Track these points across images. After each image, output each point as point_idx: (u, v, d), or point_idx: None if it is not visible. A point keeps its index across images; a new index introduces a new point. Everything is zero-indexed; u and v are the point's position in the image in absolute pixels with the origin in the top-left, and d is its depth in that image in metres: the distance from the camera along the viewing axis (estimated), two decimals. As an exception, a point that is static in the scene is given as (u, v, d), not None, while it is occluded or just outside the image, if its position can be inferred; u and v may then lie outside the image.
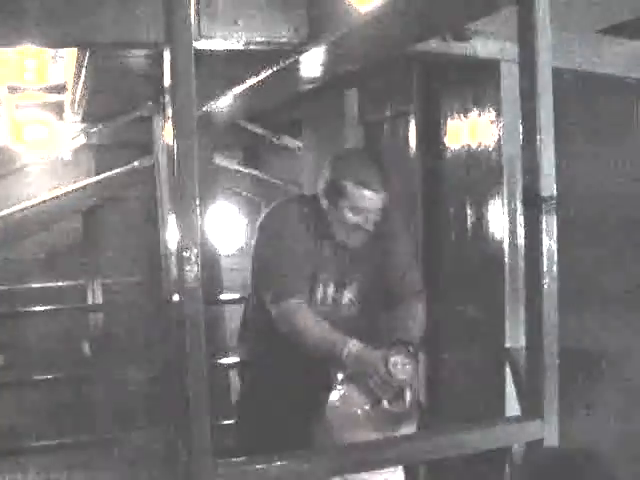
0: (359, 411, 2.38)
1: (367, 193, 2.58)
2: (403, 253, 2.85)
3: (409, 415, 2.39)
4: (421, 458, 2.10)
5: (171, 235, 1.75)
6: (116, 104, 5.23)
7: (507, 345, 2.84)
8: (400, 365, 2.33)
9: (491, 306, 2.99)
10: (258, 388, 2.91)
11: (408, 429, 2.42)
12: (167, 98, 1.75)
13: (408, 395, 2.36)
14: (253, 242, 2.80)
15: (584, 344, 3.12)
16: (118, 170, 5.69)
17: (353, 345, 2.42)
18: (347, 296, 2.81)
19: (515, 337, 2.81)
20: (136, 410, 5.98)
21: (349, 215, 2.62)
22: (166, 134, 1.81)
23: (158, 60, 3.86)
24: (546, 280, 1.88)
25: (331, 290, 2.78)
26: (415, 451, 1.92)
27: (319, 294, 2.75)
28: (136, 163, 5.59)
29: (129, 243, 6.25)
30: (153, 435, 5.27)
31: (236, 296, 4.93)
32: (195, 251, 1.66)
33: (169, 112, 1.71)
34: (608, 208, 3.22)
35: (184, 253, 1.65)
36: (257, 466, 1.71)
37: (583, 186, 3.09)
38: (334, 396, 2.48)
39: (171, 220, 1.74)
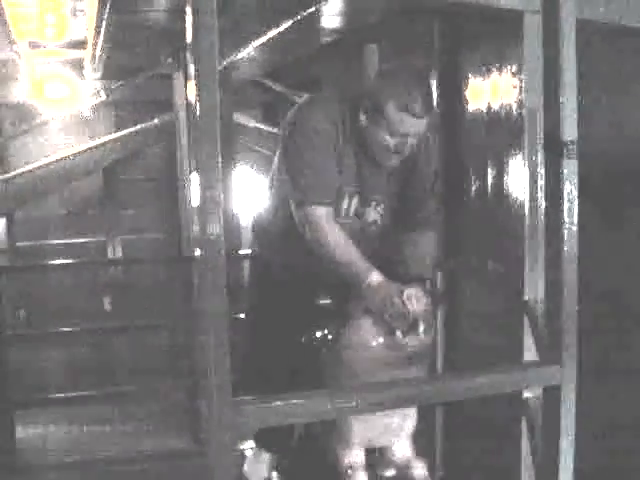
0: (374, 342, 2.40)
1: (408, 118, 2.45)
2: (425, 180, 2.78)
3: (422, 348, 2.42)
4: (439, 399, 2.12)
5: (193, 191, 1.76)
6: (136, 61, 5.24)
7: (525, 297, 2.85)
8: (414, 298, 2.33)
9: (510, 260, 3.00)
10: (271, 310, 2.85)
11: (421, 363, 2.45)
12: (188, 54, 1.75)
13: (422, 328, 2.36)
14: (281, 139, 2.67)
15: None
16: (138, 127, 5.71)
17: (375, 276, 2.40)
18: (371, 214, 2.74)
19: (534, 290, 2.82)
20: (157, 363, 6.07)
21: (387, 137, 2.50)
22: (188, 91, 1.80)
23: (178, 15, 3.89)
24: (566, 224, 1.88)
25: (355, 204, 2.70)
26: (434, 392, 1.94)
27: (344, 206, 2.68)
28: (156, 120, 5.60)
29: (149, 200, 6.29)
30: (174, 387, 5.35)
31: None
32: (217, 205, 1.67)
33: (191, 68, 1.70)
34: (630, 160, 3.20)
35: (206, 207, 1.66)
36: (277, 403, 1.73)
37: (605, 139, 3.07)
38: (349, 325, 2.49)
39: (193, 176, 1.74)
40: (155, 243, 6.27)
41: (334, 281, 2.57)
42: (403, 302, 2.33)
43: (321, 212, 2.52)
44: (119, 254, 6.25)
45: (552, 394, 1.98)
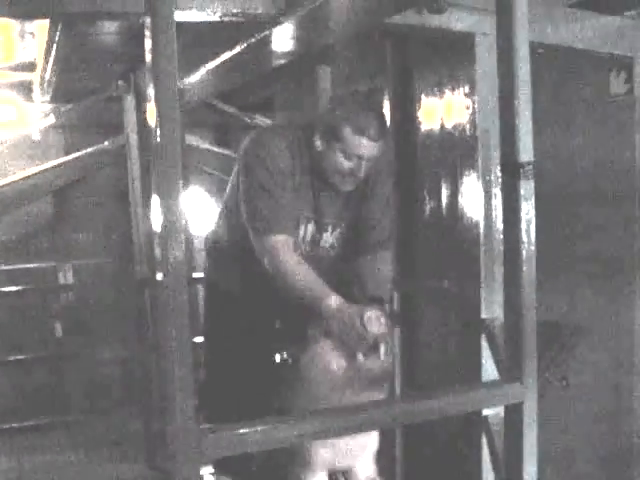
0: (335, 365, 2.38)
1: (364, 141, 2.52)
2: (380, 201, 2.82)
3: (384, 370, 2.42)
4: (403, 421, 2.12)
5: (153, 215, 1.74)
6: (86, 83, 5.18)
7: (483, 316, 2.88)
8: (374, 320, 2.33)
9: (467, 279, 3.03)
10: (226, 334, 2.87)
11: (382, 385, 2.45)
12: (146, 76, 1.73)
13: (382, 350, 2.36)
14: (239, 163, 2.70)
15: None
16: (89, 150, 5.64)
17: (334, 300, 2.41)
18: (328, 240, 2.79)
19: (491, 309, 2.86)
20: (110, 390, 5.98)
21: (343, 160, 2.56)
22: (146, 113, 1.78)
23: (129, 38, 3.86)
24: (525, 244, 1.91)
25: (311, 230, 2.74)
26: (397, 414, 1.94)
27: (300, 233, 2.71)
28: (107, 143, 5.54)
29: (100, 224, 6.20)
30: (128, 414, 5.28)
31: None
32: (179, 230, 1.66)
33: (150, 90, 1.68)
34: (578, 180, 3.27)
35: (168, 233, 1.65)
36: (241, 431, 1.72)
37: (555, 158, 3.14)
38: (310, 350, 2.48)
39: (153, 200, 1.73)
40: (107, 267, 6.18)
41: (292, 305, 2.56)
42: (363, 325, 2.33)
43: (280, 240, 2.54)
44: (70, 279, 6.16)
45: (514, 411, 2.01)
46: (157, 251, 1.71)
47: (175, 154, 1.65)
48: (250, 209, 2.60)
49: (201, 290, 5.27)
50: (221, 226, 2.91)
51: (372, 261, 2.77)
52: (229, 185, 2.81)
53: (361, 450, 2.63)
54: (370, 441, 2.64)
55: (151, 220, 1.78)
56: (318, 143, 2.61)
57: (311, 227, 2.74)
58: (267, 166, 2.57)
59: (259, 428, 1.73)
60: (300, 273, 2.51)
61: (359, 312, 2.36)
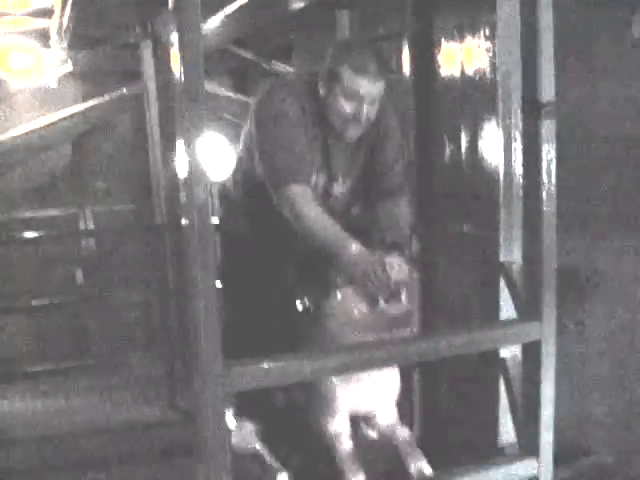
0: (356, 312, 2.42)
1: (362, 79, 2.53)
2: (392, 148, 2.83)
3: (405, 316, 2.44)
4: (422, 357, 2.14)
5: (176, 160, 1.76)
6: (104, 30, 5.17)
7: (502, 259, 2.89)
8: (396, 266, 2.36)
9: (486, 223, 3.03)
10: (243, 281, 2.90)
11: (404, 330, 2.47)
12: (169, 21, 1.73)
13: (404, 295, 2.40)
14: (248, 126, 2.72)
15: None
16: (106, 97, 5.64)
17: (355, 247, 2.43)
18: (338, 189, 2.81)
19: (510, 251, 2.86)
20: (131, 334, 6.08)
21: (344, 102, 2.57)
22: (172, 58, 1.78)
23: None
24: (545, 185, 1.92)
25: (322, 180, 2.76)
26: (416, 350, 1.98)
27: (312, 182, 2.72)
28: (124, 90, 5.54)
29: (119, 170, 6.23)
30: (148, 357, 5.37)
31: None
32: (204, 175, 1.69)
33: (174, 36, 1.69)
34: (600, 127, 3.25)
35: (193, 177, 1.67)
36: (264, 365, 1.75)
37: (577, 101, 3.11)
38: (331, 297, 2.51)
39: (177, 146, 1.75)
40: (127, 214, 6.23)
41: (313, 253, 2.58)
42: (385, 271, 2.35)
43: (299, 191, 2.55)
44: (90, 225, 6.21)
45: (532, 350, 2.03)
46: (182, 196, 1.74)
47: (199, 98, 1.67)
48: (267, 163, 2.62)
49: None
50: (236, 175, 2.94)
51: (388, 207, 2.79)
52: (242, 137, 2.82)
53: (382, 395, 2.67)
54: (391, 387, 2.67)
55: (171, 165, 1.81)
56: (321, 89, 2.63)
57: (322, 177, 2.77)
58: (279, 119, 2.59)
59: (281, 363, 1.77)
60: (321, 222, 2.52)
61: (380, 259, 2.39)
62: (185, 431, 4.19)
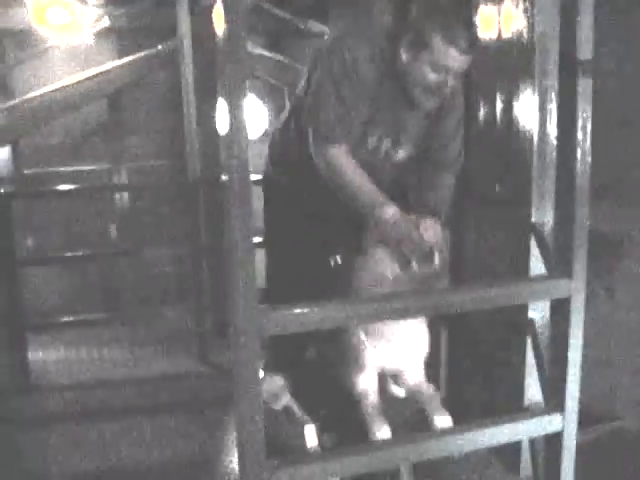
0: (389, 272, 2.42)
1: (454, 52, 2.39)
2: (453, 122, 2.77)
3: (437, 278, 2.46)
4: (452, 309, 2.16)
5: (215, 117, 1.79)
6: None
7: (533, 220, 2.90)
8: (430, 229, 2.36)
9: (519, 185, 3.04)
10: (284, 240, 2.90)
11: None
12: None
13: (437, 258, 2.38)
14: (317, 61, 2.60)
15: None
16: (142, 54, 5.66)
17: (391, 209, 2.42)
18: (400, 155, 2.75)
19: (542, 212, 2.87)
20: (162, 288, 6.17)
21: (429, 72, 2.45)
22: (215, 14, 1.79)
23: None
24: (580, 143, 1.93)
25: (385, 143, 2.70)
26: (448, 302, 2.00)
27: (373, 145, 2.67)
28: (160, 47, 5.55)
29: (154, 127, 6.28)
30: (181, 310, 5.45)
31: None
32: (244, 132, 1.72)
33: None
34: (634, 85, 3.22)
35: (234, 134, 1.70)
36: (298, 310, 1.80)
37: (609, 61, 3.09)
38: (365, 258, 2.51)
39: (218, 102, 1.77)
40: (161, 170, 6.29)
41: (349, 211, 2.57)
42: (419, 233, 2.36)
43: (339, 150, 2.53)
44: (124, 181, 6.28)
45: (562, 307, 2.06)
46: (222, 153, 1.77)
47: (240, 55, 1.69)
48: (316, 109, 2.55)
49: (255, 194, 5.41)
50: (287, 126, 2.85)
51: (436, 179, 2.76)
52: (301, 83, 2.73)
53: (411, 354, 2.69)
54: (420, 346, 2.70)
55: (207, 123, 1.83)
56: (404, 54, 2.50)
57: (388, 142, 2.71)
58: (348, 71, 2.50)
59: (315, 309, 1.81)
60: (357, 180, 2.51)
61: (415, 220, 2.40)
62: (215, 384, 4.32)
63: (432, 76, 2.46)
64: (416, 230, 2.36)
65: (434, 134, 2.75)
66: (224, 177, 1.77)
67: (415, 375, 2.73)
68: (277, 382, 3.03)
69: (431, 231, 2.37)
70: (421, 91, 2.52)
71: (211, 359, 4.83)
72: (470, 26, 2.49)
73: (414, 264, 2.40)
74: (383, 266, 2.45)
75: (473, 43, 2.44)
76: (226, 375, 2.15)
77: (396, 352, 2.63)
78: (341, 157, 2.53)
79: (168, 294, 6.12)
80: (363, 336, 2.53)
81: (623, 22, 3.08)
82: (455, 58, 2.41)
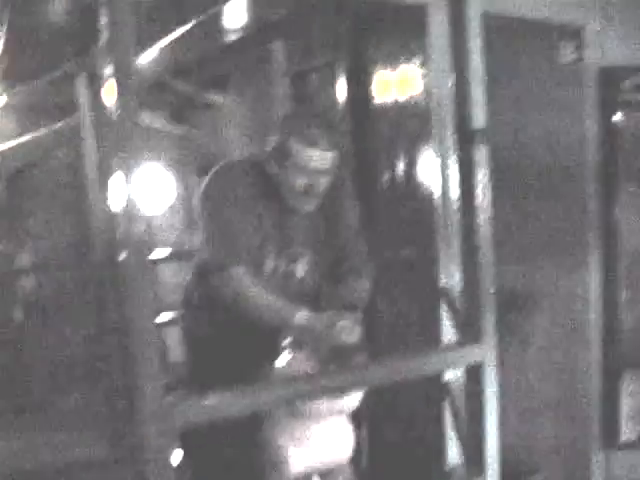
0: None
1: (314, 152, 2.46)
2: (349, 224, 2.80)
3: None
4: (366, 384, 2.15)
5: (112, 195, 1.75)
6: (38, 63, 5.11)
7: (442, 283, 2.92)
8: (347, 329, 2.33)
9: (425, 248, 3.07)
10: (204, 362, 2.84)
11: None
12: (100, 54, 1.73)
13: (356, 358, 2.35)
14: (198, 209, 2.67)
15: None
16: (42, 131, 5.56)
17: (302, 314, 2.41)
18: (300, 270, 2.74)
19: (449, 275, 2.90)
20: (72, 372, 5.96)
21: (297, 177, 2.50)
22: (106, 92, 1.77)
23: (81, 15, 3.81)
24: (481, 209, 1.95)
25: (282, 263, 2.70)
26: (359, 378, 1.98)
27: (269, 266, 2.67)
28: (60, 124, 5.46)
29: (56, 206, 6.14)
30: (90, 395, 5.27)
31: (165, 254, 4.94)
32: (141, 209, 1.68)
33: (108, 69, 1.68)
34: (530, 152, 3.33)
35: (130, 212, 1.66)
36: (208, 400, 1.74)
37: (507, 128, 3.19)
38: (281, 362, 2.48)
39: (112, 180, 1.73)
40: (66, 249, 6.13)
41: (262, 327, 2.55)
42: (335, 335, 2.33)
43: (237, 273, 2.52)
44: (28, 263, 6.10)
45: (475, 373, 2.06)
46: (119, 231, 1.72)
47: (135, 131, 1.66)
48: (208, 243, 2.59)
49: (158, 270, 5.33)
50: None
51: (349, 287, 2.74)
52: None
53: (335, 452, 2.63)
54: (343, 442, 2.63)
55: (110, 201, 1.79)
56: (272, 166, 2.56)
57: (283, 260, 2.71)
58: (224, 201, 2.55)
59: (227, 396, 1.76)
60: (261, 299, 2.50)
61: (331, 321, 2.36)
62: (130, 469, 4.15)
63: (301, 180, 2.50)
64: (333, 331, 2.32)
65: (333, 240, 2.76)
66: (121, 256, 1.72)
67: (343, 474, 2.68)
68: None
69: (348, 331, 2.33)
70: (295, 197, 2.55)
71: (125, 443, 4.65)
72: (329, 124, 2.58)
73: (332, 365, 2.35)
74: (300, 368, 2.40)
75: (334, 140, 2.50)
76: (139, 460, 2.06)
77: (319, 452, 2.57)
78: (241, 280, 2.52)
79: (79, 377, 5.92)
80: (283, 440, 2.47)
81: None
82: (317, 158, 2.46)
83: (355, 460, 2.76)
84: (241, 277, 2.52)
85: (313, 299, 2.70)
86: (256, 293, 2.50)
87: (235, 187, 2.57)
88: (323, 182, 2.54)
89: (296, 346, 2.46)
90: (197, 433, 1.87)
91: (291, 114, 2.81)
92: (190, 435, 2.08)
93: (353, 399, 2.48)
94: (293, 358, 2.45)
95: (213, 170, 2.68)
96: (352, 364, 2.34)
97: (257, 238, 2.60)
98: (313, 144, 2.45)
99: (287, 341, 2.51)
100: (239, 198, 2.55)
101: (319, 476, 2.66)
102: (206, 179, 2.66)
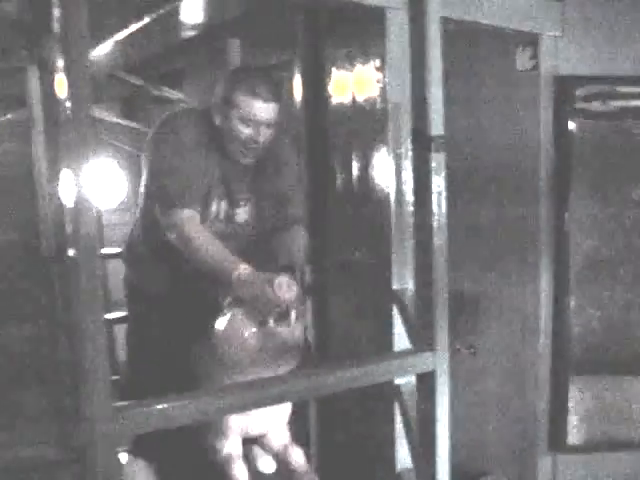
0: (246, 332, 2.41)
1: (256, 102, 2.56)
2: (290, 179, 2.87)
3: (295, 337, 2.46)
4: (314, 394, 2.14)
5: (62, 190, 1.70)
6: (-14, 53, 5.00)
7: (394, 287, 2.92)
8: (285, 286, 2.35)
9: (378, 251, 3.07)
10: (146, 317, 2.90)
11: (294, 353, 2.49)
12: (53, 45, 1.68)
13: (293, 315, 2.41)
14: (145, 155, 2.74)
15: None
16: (-10, 124, 5.45)
17: (243, 268, 2.43)
18: (241, 215, 2.83)
19: (402, 280, 2.90)
20: (18, 369, 5.85)
21: (240, 126, 2.60)
22: (57, 84, 1.73)
23: (32, 5, 3.74)
24: (436, 216, 1.95)
25: (224, 207, 2.78)
26: (308, 387, 1.96)
27: (212, 210, 2.75)
28: (9, 116, 5.36)
29: (4, 199, 6.01)
30: (38, 394, 5.17)
31: (117, 250, 4.88)
32: (90, 205, 1.63)
33: (59, 61, 1.63)
34: (485, 158, 3.35)
35: (79, 208, 1.62)
36: (157, 407, 1.70)
37: (463, 133, 3.20)
38: (221, 319, 2.49)
39: (62, 175, 1.69)
40: (12, 245, 6.01)
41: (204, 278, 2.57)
42: (273, 290, 2.35)
43: (186, 215, 2.56)
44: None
45: (426, 380, 2.06)
46: (68, 227, 1.67)
47: (85, 126, 1.61)
48: (156, 186, 2.66)
49: (109, 266, 5.25)
50: (137, 228, 2.94)
51: (285, 235, 2.80)
52: (142, 187, 2.81)
53: (274, 416, 2.66)
54: (283, 408, 2.67)
55: (59, 195, 1.74)
56: (216, 117, 2.65)
57: (224, 204, 2.78)
58: (173, 145, 2.61)
59: (181, 402, 1.72)
60: (207, 245, 2.53)
61: (269, 278, 2.39)
62: (73, 470, 4.08)
63: (245, 130, 2.60)
64: (270, 287, 2.35)
65: (271, 190, 2.83)
66: (70, 252, 1.68)
67: (281, 438, 2.70)
68: (139, 465, 2.91)
69: (285, 288, 2.36)
70: (238, 146, 2.65)
71: (73, 444, 4.58)
72: (270, 77, 2.70)
73: (270, 322, 2.40)
74: (240, 325, 2.44)
75: (277, 93, 2.62)
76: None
77: (259, 414, 2.59)
78: (188, 222, 2.56)
79: (26, 375, 5.81)
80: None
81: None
82: (259, 108, 2.57)
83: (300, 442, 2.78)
84: (191, 218, 2.57)
85: (253, 246, 2.79)
86: (204, 239, 2.55)
87: (182, 134, 2.63)
88: (265, 133, 2.63)
89: (236, 304, 2.47)
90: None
91: (237, 68, 2.98)
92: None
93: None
94: (233, 317, 2.46)
95: (161, 118, 2.75)
96: (288, 323, 2.40)
97: (203, 184, 2.67)
98: (257, 96, 2.56)
99: (227, 300, 2.52)
100: (185, 144, 2.62)
101: (258, 442, 2.72)
102: (153, 127, 2.74)
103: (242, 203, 2.82)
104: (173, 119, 2.73)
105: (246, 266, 2.46)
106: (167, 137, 2.64)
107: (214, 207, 2.75)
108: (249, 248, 2.76)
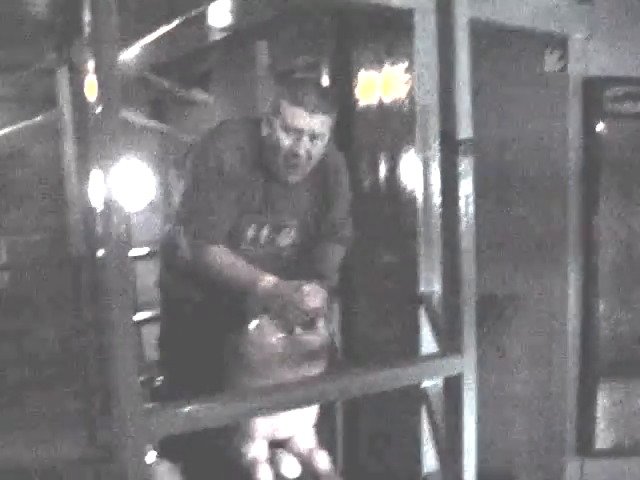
0: (274, 339, 2.41)
1: (299, 110, 2.42)
2: (343, 202, 2.81)
3: (321, 344, 2.45)
4: (342, 396, 2.14)
5: (92, 191, 1.72)
6: (17, 56, 5.05)
7: (422, 290, 2.92)
8: (312, 293, 2.35)
9: (405, 254, 3.06)
10: (177, 330, 2.87)
11: (321, 359, 2.49)
12: (82, 48, 1.69)
13: (321, 323, 2.40)
14: (185, 169, 2.65)
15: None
16: (21, 125, 5.49)
17: (267, 280, 2.42)
18: (284, 240, 2.73)
19: (429, 283, 2.89)
20: (49, 369, 5.90)
21: (281, 135, 2.46)
22: (87, 86, 1.74)
23: (61, 8, 3.77)
24: (463, 220, 1.94)
25: (265, 233, 2.68)
26: (336, 389, 1.96)
27: (248, 235, 2.66)
28: (40, 117, 5.40)
29: (34, 200, 6.07)
30: (65, 394, 5.21)
31: (145, 251, 4.91)
32: (121, 206, 1.65)
33: (90, 64, 1.65)
34: (514, 159, 3.33)
35: (110, 209, 1.63)
36: (186, 409, 1.72)
37: (492, 136, 3.18)
38: (249, 327, 2.49)
39: (93, 176, 1.70)
40: (42, 245, 6.07)
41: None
42: (300, 298, 2.35)
43: (212, 250, 2.54)
44: (3, 257, 6.03)
45: (453, 383, 2.05)
46: (98, 228, 1.69)
47: (115, 128, 1.63)
48: (186, 213, 2.59)
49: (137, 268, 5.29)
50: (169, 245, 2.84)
51: (325, 248, 2.79)
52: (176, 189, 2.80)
53: (300, 420, 2.66)
54: (309, 411, 2.67)
55: (88, 196, 1.76)
56: (264, 127, 2.53)
57: (266, 229, 2.69)
58: (212, 170, 2.51)
59: (203, 406, 1.73)
60: (232, 264, 2.52)
61: (296, 286, 2.39)
62: (104, 467, 4.11)
63: (286, 141, 2.47)
64: (297, 295, 2.35)
65: (318, 213, 2.76)
66: (100, 252, 1.69)
67: (307, 441, 2.70)
68: (165, 467, 2.92)
69: (313, 296, 2.36)
70: (281, 160, 2.52)
71: (102, 443, 4.61)
72: (319, 86, 2.61)
73: (298, 330, 2.40)
74: (267, 333, 2.44)
75: (324, 104, 2.46)
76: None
77: (285, 418, 2.59)
78: (219, 252, 2.53)
79: (55, 375, 5.86)
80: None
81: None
82: (303, 118, 2.43)
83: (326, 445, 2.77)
84: (216, 253, 2.53)
85: (293, 270, 2.70)
86: (225, 262, 2.53)
87: (225, 156, 2.51)
88: (310, 147, 2.49)
89: (263, 312, 2.47)
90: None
91: (289, 78, 2.86)
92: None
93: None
94: (261, 324, 2.46)
95: (204, 132, 2.67)
96: (316, 331, 2.38)
97: (240, 207, 2.58)
98: (300, 104, 2.43)
99: (256, 307, 2.51)
100: (226, 170, 2.51)
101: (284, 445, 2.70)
102: (198, 141, 2.64)
103: (286, 229, 2.72)
104: (218, 135, 2.59)
105: (270, 278, 2.44)
106: (208, 158, 2.53)
107: (250, 232, 2.67)
108: (290, 267, 2.70)
